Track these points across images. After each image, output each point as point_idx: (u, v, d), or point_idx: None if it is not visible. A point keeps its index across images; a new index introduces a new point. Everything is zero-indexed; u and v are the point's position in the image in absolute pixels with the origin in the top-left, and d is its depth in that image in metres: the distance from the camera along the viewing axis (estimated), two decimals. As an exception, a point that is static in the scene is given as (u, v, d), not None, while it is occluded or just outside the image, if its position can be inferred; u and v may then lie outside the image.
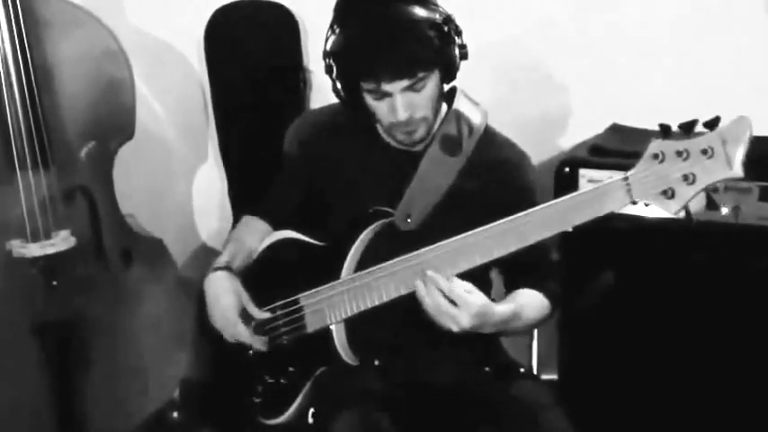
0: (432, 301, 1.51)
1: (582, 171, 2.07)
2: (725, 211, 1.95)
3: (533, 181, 1.75)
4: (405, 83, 1.57)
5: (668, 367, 2.07)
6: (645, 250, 2.04)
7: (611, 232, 1.93)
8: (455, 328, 1.51)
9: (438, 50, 1.59)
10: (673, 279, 2.02)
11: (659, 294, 2.04)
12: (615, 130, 2.32)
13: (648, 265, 2.05)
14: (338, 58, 1.62)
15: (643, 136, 1.36)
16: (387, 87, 1.58)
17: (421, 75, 1.58)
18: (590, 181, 2.05)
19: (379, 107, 1.63)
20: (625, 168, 1.37)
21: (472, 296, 1.51)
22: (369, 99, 1.63)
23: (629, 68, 2.34)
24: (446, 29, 1.60)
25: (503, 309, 1.58)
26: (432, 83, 1.62)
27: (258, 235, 1.84)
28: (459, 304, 1.50)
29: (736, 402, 2.02)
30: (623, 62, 2.34)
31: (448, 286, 1.50)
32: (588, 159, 2.12)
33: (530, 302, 1.68)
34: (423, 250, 1.54)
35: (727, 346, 2.01)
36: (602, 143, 2.21)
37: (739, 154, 1.25)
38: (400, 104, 1.59)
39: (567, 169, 2.09)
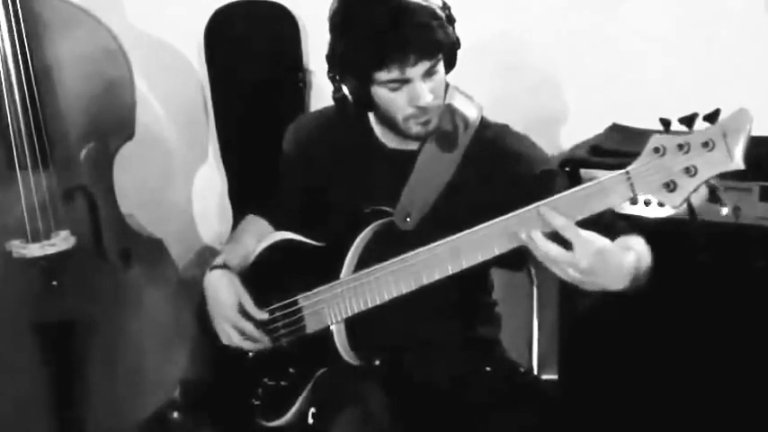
0: (541, 249, 1.37)
1: (582, 171, 2.08)
2: (725, 211, 1.95)
3: (535, 159, 1.70)
4: (427, 65, 1.56)
5: (669, 367, 2.07)
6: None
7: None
8: (575, 274, 1.37)
9: (447, 33, 1.59)
10: (673, 279, 2.01)
11: (659, 294, 2.04)
12: (615, 130, 2.32)
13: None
14: (356, 52, 1.58)
15: (643, 136, 1.35)
16: (409, 72, 1.56)
17: (439, 56, 1.59)
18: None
19: (396, 99, 1.60)
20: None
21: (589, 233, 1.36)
22: (384, 93, 1.60)
23: (629, 68, 2.34)
24: (447, 13, 1.61)
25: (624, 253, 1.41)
26: (441, 69, 1.62)
27: (259, 234, 1.84)
28: (574, 245, 1.35)
29: (737, 402, 2.01)
30: (623, 62, 2.34)
31: (563, 223, 1.36)
32: (588, 159, 2.12)
33: (635, 245, 1.48)
34: (422, 249, 1.54)
35: (728, 345, 2.01)
36: (602, 143, 2.21)
37: (740, 146, 1.25)
38: (424, 88, 1.58)
39: (567, 169, 2.09)
